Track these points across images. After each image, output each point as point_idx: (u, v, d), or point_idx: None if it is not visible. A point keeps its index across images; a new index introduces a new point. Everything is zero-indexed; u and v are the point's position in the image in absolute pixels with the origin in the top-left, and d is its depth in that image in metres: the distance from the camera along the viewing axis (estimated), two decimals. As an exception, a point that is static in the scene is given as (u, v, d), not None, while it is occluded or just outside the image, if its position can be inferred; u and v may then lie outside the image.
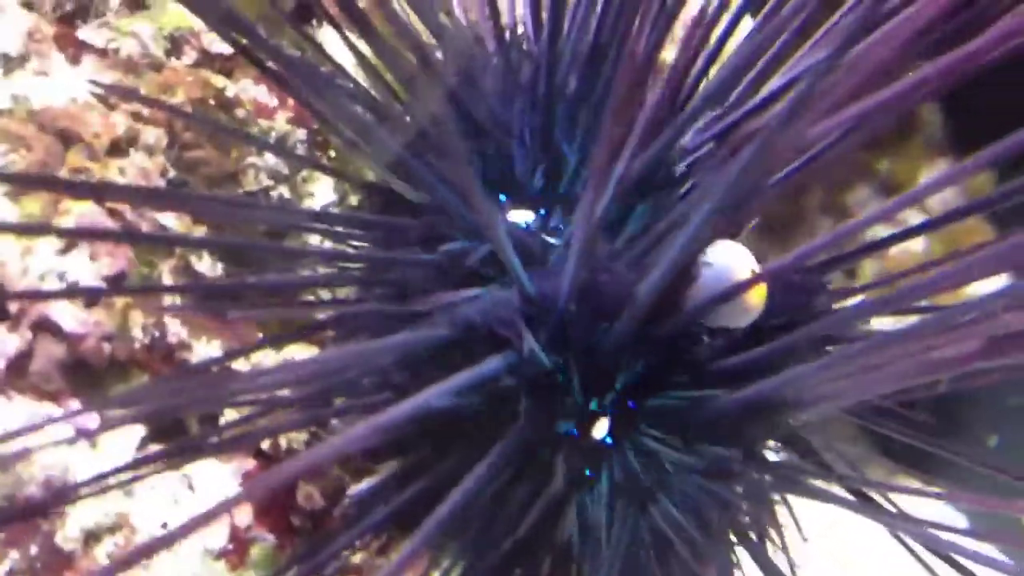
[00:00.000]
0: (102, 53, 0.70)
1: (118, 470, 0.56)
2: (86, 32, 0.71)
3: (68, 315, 0.63)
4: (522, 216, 0.66)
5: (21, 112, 0.65)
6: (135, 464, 0.58)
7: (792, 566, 0.79)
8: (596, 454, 0.65)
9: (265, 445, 0.69)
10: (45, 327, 0.63)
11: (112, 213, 0.64)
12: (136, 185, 0.65)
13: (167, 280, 0.66)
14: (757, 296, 0.67)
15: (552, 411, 0.62)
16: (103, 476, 0.56)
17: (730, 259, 0.67)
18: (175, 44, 0.73)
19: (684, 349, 0.67)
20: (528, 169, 0.66)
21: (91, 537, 0.65)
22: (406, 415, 0.53)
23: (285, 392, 0.60)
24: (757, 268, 0.66)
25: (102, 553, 0.66)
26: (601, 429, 0.65)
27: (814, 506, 0.72)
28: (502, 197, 0.67)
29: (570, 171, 0.66)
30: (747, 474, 0.67)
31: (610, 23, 0.68)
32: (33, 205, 0.64)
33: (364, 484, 0.68)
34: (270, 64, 0.60)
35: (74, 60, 0.70)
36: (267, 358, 0.69)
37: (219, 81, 0.71)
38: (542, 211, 0.66)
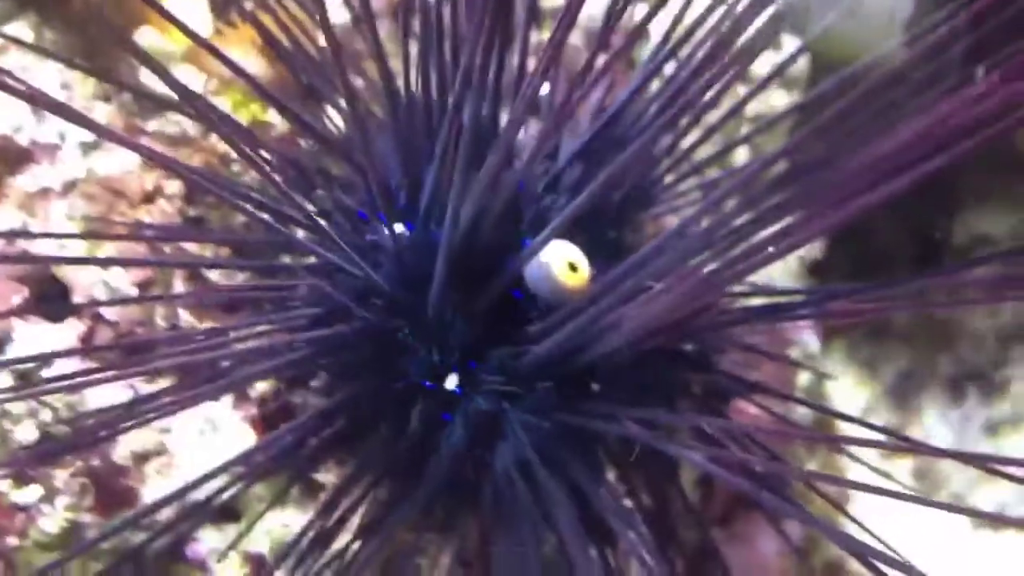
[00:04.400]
0: (152, 136, 1.04)
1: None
2: (149, 123, 1.06)
3: (111, 311, 0.97)
4: (399, 227, 0.91)
5: (92, 178, 1.01)
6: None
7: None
8: (450, 402, 0.89)
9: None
10: (98, 318, 0.97)
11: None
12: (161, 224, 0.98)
13: (179, 284, 0.99)
14: (577, 284, 0.87)
15: (394, 367, 0.87)
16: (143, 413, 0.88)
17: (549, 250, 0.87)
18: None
19: (518, 315, 0.89)
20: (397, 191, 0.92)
21: (140, 458, 0.98)
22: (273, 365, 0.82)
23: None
24: (578, 261, 0.86)
25: (151, 469, 0.99)
26: (452, 381, 0.88)
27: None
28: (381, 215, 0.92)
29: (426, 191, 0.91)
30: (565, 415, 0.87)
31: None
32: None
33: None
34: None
35: (131, 141, 1.04)
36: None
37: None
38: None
